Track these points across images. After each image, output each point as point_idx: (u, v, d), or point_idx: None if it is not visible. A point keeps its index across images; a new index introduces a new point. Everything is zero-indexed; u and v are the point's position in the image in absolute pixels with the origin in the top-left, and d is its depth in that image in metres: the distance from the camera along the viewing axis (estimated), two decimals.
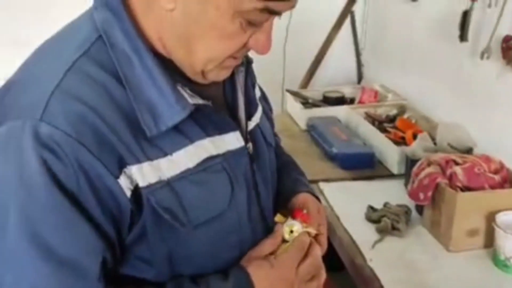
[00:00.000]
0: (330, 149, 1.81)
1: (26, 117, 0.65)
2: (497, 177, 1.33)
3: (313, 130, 2.00)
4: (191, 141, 0.73)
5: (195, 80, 0.75)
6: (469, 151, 1.59)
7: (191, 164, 0.73)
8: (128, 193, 0.68)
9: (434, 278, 1.22)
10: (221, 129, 0.77)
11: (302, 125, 2.10)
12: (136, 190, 0.69)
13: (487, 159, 1.38)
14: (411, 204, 1.47)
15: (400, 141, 1.80)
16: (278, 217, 0.85)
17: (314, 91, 2.32)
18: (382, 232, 1.39)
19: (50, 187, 0.64)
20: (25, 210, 0.64)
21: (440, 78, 1.94)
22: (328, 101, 2.21)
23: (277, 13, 0.70)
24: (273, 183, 0.92)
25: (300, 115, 2.13)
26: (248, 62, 0.88)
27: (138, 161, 0.68)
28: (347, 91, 2.29)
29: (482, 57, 1.57)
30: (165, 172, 0.70)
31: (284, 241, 0.82)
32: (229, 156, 0.78)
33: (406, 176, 1.59)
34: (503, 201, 1.28)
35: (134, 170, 0.68)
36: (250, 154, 0.82)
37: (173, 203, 0.71)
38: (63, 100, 0.66)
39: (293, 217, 0.85)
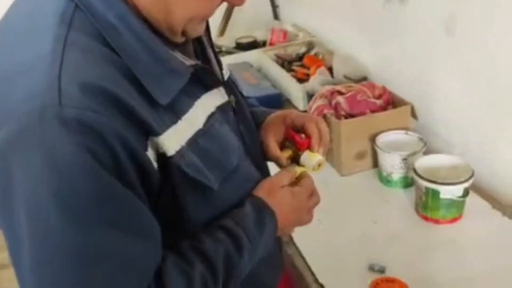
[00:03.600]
0: None
1: (39, 108, 0.58)
2: (379, 102, 1.43)
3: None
4: (193, 101, 0.73)
5: (173, 40, 0.73)
6: (363, 80, 1.69)
7: (200, 124, 0.73)
8: (155, 165, 0.66)
9: (328, 200, 1.33)
10: (208, 87, 0.78)
11: None
12: (162, 160, 0.67)
13: (372, 86, 1.48)
14: None
15: (304, 78, 1.88)
16: (286, 152, 0.91)
17: (227, 39, 2.35)
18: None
19: (99, 172, 0.59)
20: (75, 203, 0.58)
21: (341, 12, 2.01)
22: (241, 47, 2.26)
23: None
24: (255, 131, 0.93)
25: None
26: None
27: (161, 130, 0.66)
28: (260, 35, 2.33)
29: None
30: (183, 137, 0.70)
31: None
32: (220, 111, 0.79)
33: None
34: (383, 123, 1.38)
35: (160, 140, 0.66)
36: (233, 107, 0.84)
37: (199, 164, 0.71)
38: (75, 79, 0.60)
39: (298, 149, 0.91)
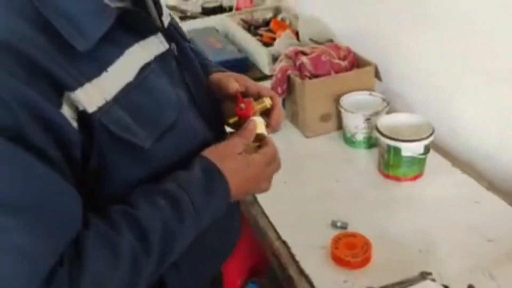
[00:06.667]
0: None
1: None
2: (343, 63, 1.42)
3: (190, 42, 2.01)
4: (121, 51, 0.66)
5: None
6: (328, 43, 1.67)
7: (130, 77, 0.66)
8: (74, 124, 0.60)
9: (292, 161, 1.33)
10: (144, 33, 0.71)
11: None
12: (83, 117, 0.61)
13: (336, 47, 1.47)
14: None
15: (270, 43, 1.85)
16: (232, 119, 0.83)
17: (193, 3, 2.30)
18: None
19: None
20: None
21: None
22: (207, 11, 2.21)
23: None
24: (203, 81, 0.86)
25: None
26: None
27: (78, 84, 0.60)
28: (225, 0, 2.29)
29: None
30: (108, 91, 0.63)
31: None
32: (158, 61, 0.72)
33: None
34: (348, 84, 1.38)
35: (77, 95, 0.59)
36: (175, 56, 0.77)
37: (128, 120, 0.65)
38: None
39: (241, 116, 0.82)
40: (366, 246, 1.00)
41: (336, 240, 1.02)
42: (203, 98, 0.83)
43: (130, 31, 0.68)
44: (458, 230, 1.06)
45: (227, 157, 0.75)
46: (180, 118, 0.72)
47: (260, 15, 2.11)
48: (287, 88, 1.43)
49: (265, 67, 1.78)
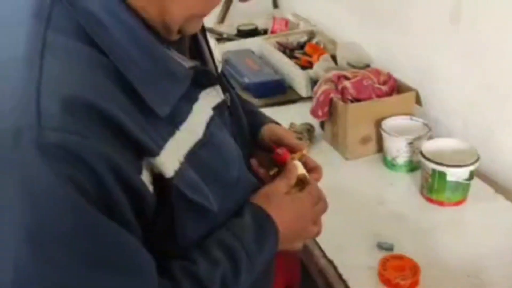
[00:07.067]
0: (242, 79, 1.89)
1: (14, 129, 0.49)
2: (384, 88, 1.45)
3: (227, 64, 2.06)
4: (191, 106, 0.64)
5: (168, 38, 0.64)
6: (366, 67, 1.70)
7: (200, 133, 0.64)
8: (151, 188, 0.58)
9: (333, 182, 1.34)
10: (205, 86, 0.70)
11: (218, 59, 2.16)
12: (159, 181, 0.59)
13: (377, 72, 1.49)
14: (316, 122, 1.58)
15: (308, 65, 1.89)
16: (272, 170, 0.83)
17: (228, 26, 2.35)
18: None
19: (81, 206, 0.50)
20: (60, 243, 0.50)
21: (343, 1, 2.03)
22: (242, 34, 2.26)
23: None
24: (247, 130, 0.85)
25: (215, 50, 2.18)
26: None
27: (158, 148, 0.57)
28: (260, 23, 2.34)
29: None
30: (181, 151, 0.61)
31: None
32: (217, 113, 0.70)
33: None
34: (389, 108, 1.40)
35: (157, 160, 0.57)
36: (228, 106, 0.76)
37: (197, 180, 0.63)
38: (56, 93, 0.51)
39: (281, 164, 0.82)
40: (414, 269, 1.01)
41: (384, 262, 1.03)
42: (245, 150, 0.81)
43: (195, 84, 0.66)
44: (505, 257, 1.06)
45: (271, 197, 0.75)
46: (241, 174, 0.72)
47: (295, 38, 2.15)
48: (328, 111, 1.45)
49: (302, 89, 1.81)
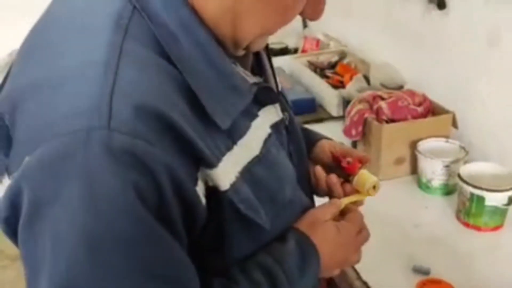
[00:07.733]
0: None
1: (85, 129, 0.50)
2: (419, 109, 1.44)
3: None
4: (250, 122, 0.65)
5: (234, 53, 0.65)
6: (399, 88, 1.70)
7: (257, 149, 0.64)
8: (203, 200, 0.57)
9: (367, 202, 1.33)
10: (265, 104, 0.69)
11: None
12: (212, 193, 0.58)
13: (412, 93, 1.49)
14: (348, 141, 1.58)
15: (339, 85, 1.89)
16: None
17: None
18: None
19: (140, 214, 0.50)
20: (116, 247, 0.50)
21: (375, 22, 2.03)
22: (272, 52, 2.27)
23: None
24: (304, 150, 0.84)
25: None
26: None
27: (216, 160, 0.57)
28: (291, 42, 2.36)
29: None
30: (237, 166, 0.61)
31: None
32: (275, 132, 0.70)
33: (344, 116, 1.70)
34: (424, 130, 1.40)
35: (214, 173, 0.57)
36: (286, 125, 0.75)
37: (251, 197, 0.62)
38: (129, 98, 0.51)
39: (348, 174, 0.85)
40: None
41: (421, 286, 1.01)
42: (303, 170, 0.80)
43: (255, 101, 0.66)
44: None
45: (316, 224, 0.73)
46: (294, 194, 0.71)
47: (326, 58, 2.16)
48: (362, 131, 1.45)
49: (333, 108, 1.81)
